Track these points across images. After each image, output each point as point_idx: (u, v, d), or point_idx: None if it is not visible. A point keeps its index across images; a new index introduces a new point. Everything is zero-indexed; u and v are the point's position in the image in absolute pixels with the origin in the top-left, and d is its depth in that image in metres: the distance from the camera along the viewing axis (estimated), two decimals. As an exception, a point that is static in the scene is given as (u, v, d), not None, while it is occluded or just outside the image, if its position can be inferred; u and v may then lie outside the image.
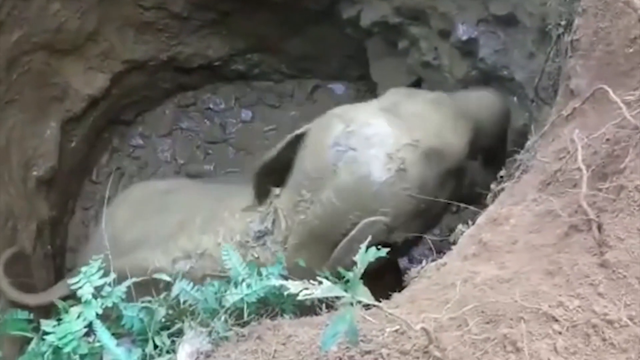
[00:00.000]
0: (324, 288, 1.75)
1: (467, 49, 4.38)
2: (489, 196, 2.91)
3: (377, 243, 2.38)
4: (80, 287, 2.52)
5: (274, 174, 3.73)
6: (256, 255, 3.65)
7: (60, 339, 2.47)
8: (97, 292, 2.51)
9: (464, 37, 4.33)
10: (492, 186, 2.90)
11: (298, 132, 3.70)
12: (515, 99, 4.22)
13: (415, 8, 4.72)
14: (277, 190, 3.73)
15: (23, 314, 3.00)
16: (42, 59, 5.36)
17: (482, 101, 3.86)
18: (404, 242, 3.59)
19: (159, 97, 6.34)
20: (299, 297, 1.79)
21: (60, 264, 5.75)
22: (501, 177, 2.95)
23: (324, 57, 6.09)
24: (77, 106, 5.75)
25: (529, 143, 2.90)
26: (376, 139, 3.44)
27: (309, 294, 1.75)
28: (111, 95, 5.91)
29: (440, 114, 3.65)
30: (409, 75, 5.23)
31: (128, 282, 2.57)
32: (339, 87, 6.28)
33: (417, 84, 4.89)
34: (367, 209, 3.42)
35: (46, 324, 2.55)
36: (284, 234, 3.61)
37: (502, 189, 2.77)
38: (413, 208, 3.49)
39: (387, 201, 3.42)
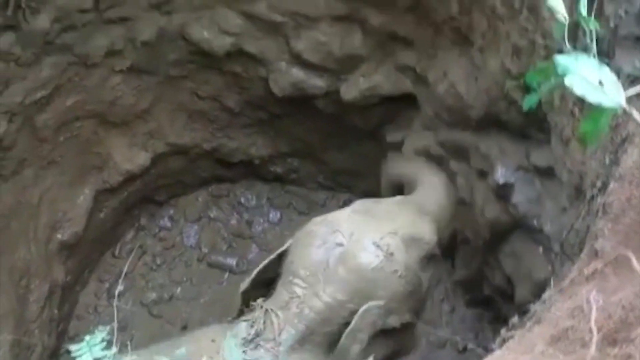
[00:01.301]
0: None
1: (502, 192, 4.40)
2: (497, 340, 2.89)
3: (377, 330, 3.54)
4: (80, 356, 2.54)
5: (258, 289, 4.05)
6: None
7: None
8: (96, 363, 2.53)
9: (501, 181, 4.35)
10: (502, 331, 2.89)
11: (283, 249, 4.07)
12: (540, 249, 4.22)
13: (458, 144, 4.80)
14: (260, 301, 3.98)
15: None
16: (91, 128, 5.51)
17: (439, 200, 4.53)
18: (401, 330, 3.96)
19: (195, 183, 6.43)
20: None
21: (63, 330, 5.75)
22: (513, 324, 2.94)
23: (361, 174, 6.16)
24: (114, 179, 5.85)
25: (545, 295, 2.89)
26: (359, 232, 3.91)
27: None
28: (149, 174, 6.00)
29: (407, 211, 4.22)
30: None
31: (129, 358, 2.58)
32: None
33: None
34: (364, 295, 3.79)
35: (39, 385, 2.56)
36: (277, 330, 3.81)
37: (512, 336, 2.76)
38: (404, 290, 3.90)
39: (381, 285, 3.82)
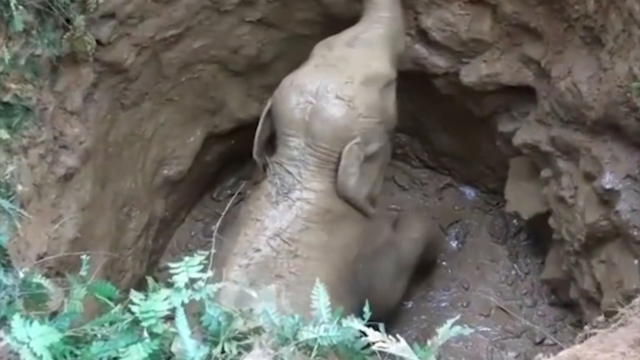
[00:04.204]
0: (399, 346, 1.81)
1: (606, 198, 4.36)
2: (578, 335, 2.90)
3: (362, 160, 4.55)
4: (177, 274, 2.66)
5: (266, 148, 4.83)
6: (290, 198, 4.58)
7: (142, 312, 2.61)
8: (190, 283, 2.64)
9: (607, 186, 4.31)
10: (586, 327, 2.90)
11: (267, 109, 4.80)
12: (636, 262, 4.17)
13: (569, 143, 4.75)
14: (271, 159, 4.71)
15: (112, 287, 3.12)
16: (212, 72, 5.66)
17: (372, 19, 4.89)
18: (382, 151, 4.81)
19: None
20: (374, 347, 1.85)
21: (154, 261, 5.93)
22: (597, 322, 2.94)
23: (465, 160, 6.16)
24: (226, 125, 6.00)
25: (636, 301, 2.88)
26: (322, 88, 4.55)
27: (384, 347, 1.82)
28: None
29: (359, 50, 4.77)
30: (540, 204, 5.25)
31: (221, 285, 2.68)
32: (469, 192, 6.34)
33: None
34: (342, 139, 4.53)
35: (135, 295, 2.70)
36: (296, 173, 4.58)
37: (594, 334, 2.76)
38: (371, 124, 4.63)
39: (352, 127, 4.54)
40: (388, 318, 5.05)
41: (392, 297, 5.32)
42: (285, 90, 4.69)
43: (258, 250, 4.49)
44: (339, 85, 4.57)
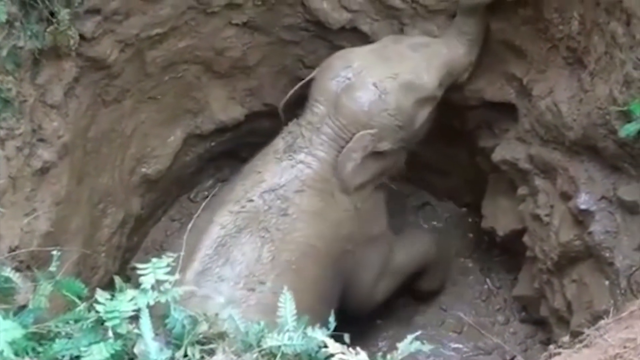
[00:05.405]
0: (359, 359, 1.81)
1: (581, 218, 4.39)
2: (543, 355, 2.91)
3: (368, 152, 4.72)
4: (144, 275, 2.65)
5: (292, 107, 5.03)
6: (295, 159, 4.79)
7: (106, 312, 2.59)
8: (157, 285, 2.63)
9: (583, 207, 4.33)
10: (551, 347, 2.91)
11: (312, 75, 4.93)
12: (607, 283, 4.20)
13: (548, 162, 4.77)
14: (294, 120, 4.95)
15: (80, 284, 3.10)
16: (195, 73, 5.64)
17: (451, 43, 5.01)
18: (391, 153, 4.91)
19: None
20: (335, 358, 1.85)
21: (127, 260, 5.86)
22: (562, 342, 2.95)
23: (445, 174, 6.18)
24: (206, 127, 5.96)
25: (601, 323, 2.90)
26: (366, 70, 4.73)
27: (345, 359, 1.81)
28: (240, 129, 6.08)
29: (418, 56, 4.89)
30: (516, 221, 5.27)
31: (188, 288, 2.67)
32: (446, 206, 6.35)
33: None
34: (360, 123, 4.69)
35: (100, 294, 2.68)
36: (308, 137, 4.78)
37: (559, 353, 2.77)
38: (393, 125, 4.76)
39: (374, 118, 4.70)
40: (365, 314, 5.31)
41: (372, 294, 5.32)
42: (334, 60, 4.91)
43: (251, 200, 4.66)
44: (382, 76, 4.73)
